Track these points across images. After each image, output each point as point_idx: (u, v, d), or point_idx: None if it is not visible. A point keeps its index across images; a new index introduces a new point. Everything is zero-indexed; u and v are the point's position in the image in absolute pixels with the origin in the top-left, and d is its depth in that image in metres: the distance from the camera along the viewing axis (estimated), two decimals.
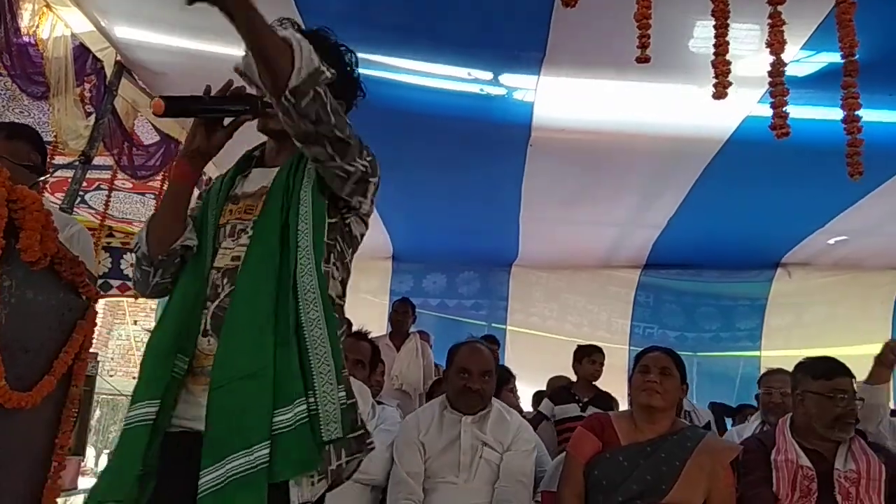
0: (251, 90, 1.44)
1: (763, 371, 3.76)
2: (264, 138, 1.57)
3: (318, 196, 1.39)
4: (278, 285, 1.31)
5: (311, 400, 1.25)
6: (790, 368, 2.63)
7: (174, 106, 1.37)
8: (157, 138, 3.84)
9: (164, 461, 1.30)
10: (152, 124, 3.75)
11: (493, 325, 6.14)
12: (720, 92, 1.57)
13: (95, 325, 1.77)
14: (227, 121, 1.46)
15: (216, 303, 1.36)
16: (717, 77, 1.60)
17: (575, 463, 2.39)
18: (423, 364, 4.34)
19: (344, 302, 1.48)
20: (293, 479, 1.23)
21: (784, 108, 1.47)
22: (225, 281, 1.37)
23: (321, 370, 1.27)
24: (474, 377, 2.54)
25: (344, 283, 1.47)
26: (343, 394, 1.29)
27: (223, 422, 1.23)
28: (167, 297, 1.47)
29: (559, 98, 3.55)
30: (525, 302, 6.11)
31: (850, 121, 1.48)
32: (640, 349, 5.29)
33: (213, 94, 1.43)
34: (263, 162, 1.54)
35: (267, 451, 1.20)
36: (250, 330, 1.28)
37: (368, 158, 1.41)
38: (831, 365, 2.44)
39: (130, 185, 4.66)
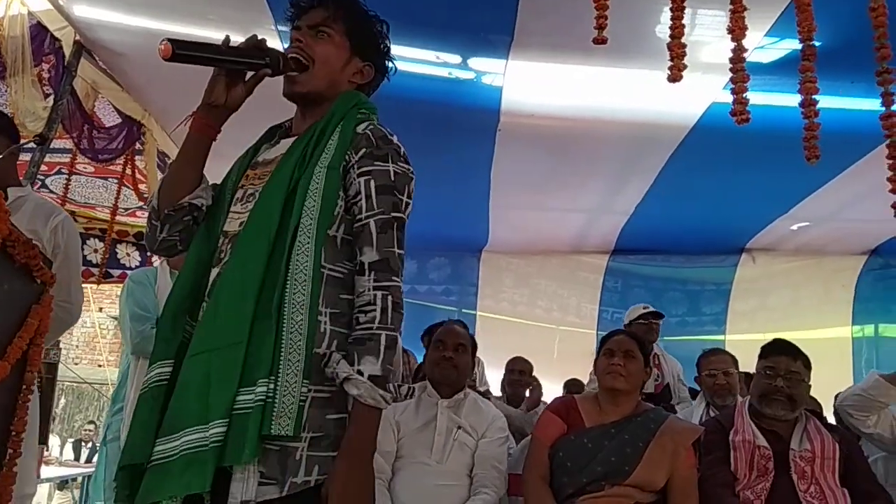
0: None
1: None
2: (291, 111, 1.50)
3: (334, 179, 1.31)
4: (270, 256, 1.25)
5: (270, 386, 1.16)
6: (755, 352, 2.69)
7: (183, 51, 1.28)
8: (119, 120, 3.75)
9: None
10: (114, 106, 3.67)
11: (464, 310, 6.15)
12: (675, 75, 1.58)
13: (51, 309, 1.74)
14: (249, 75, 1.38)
15: (217, 268, 1.33)
16: (672, 60, 1.60)
17: (540, 445, 2.42)
18: None
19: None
20: (239, 470, 1.15)
21: (745, 95, 1.48)
22: (228, 246, 1.33)
23: (290, 358, 1.19)
24: (448, 348, 2.66)
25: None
26: (307, 389, 1.20)
27: (188, 392, 1.19)
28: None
29: (528, 83, 3.55)
30: (495, 287, 6.13)
31: (808, 104, 1.50)
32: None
33: (231, 44, 1.35)
34: (289, 132, 1.48)
35: (223, 429, 1.14)
36: (232, 300, 1.23)
37: (406, 202, 1.36)
38: (774, 344, 2.54)
39: (92, 170, 4.57)
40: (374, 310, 1.26)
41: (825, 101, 2.78)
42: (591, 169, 4.48)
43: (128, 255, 5.82)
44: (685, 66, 1.57)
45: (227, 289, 1.25)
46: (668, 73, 1.59)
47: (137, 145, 3.93)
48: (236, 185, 1.42)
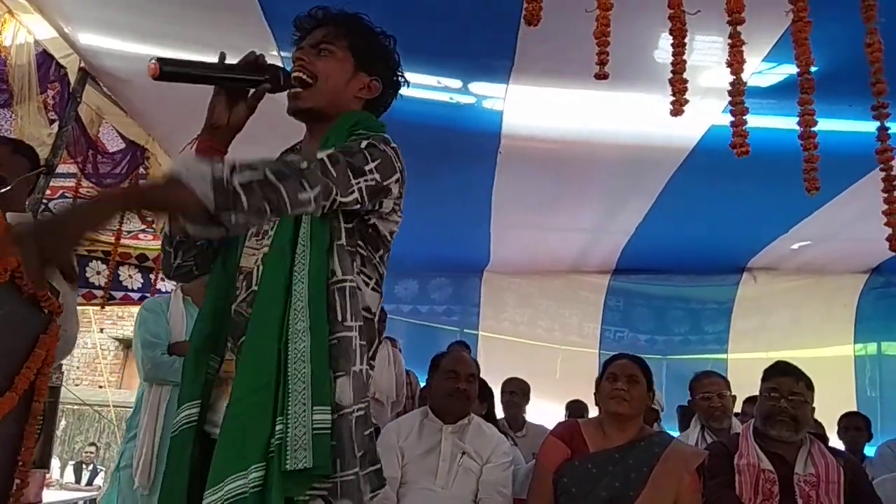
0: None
1: (694, 375, 3.70)
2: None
3: None
4: (287, 295, 1.21)
5: (280, 427, 1.13)
6: (757, 370, 2.70)
7: (171, 68, 1.23)
8: (123, 145, 3.79)
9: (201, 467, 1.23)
10: (118, 131, 3.70)
11: (466, 330, 6.16)
12: (677, 109, 1.60)
13: (58, 339, 1.75)
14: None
15: (233, 306, 1.32)
16: (674, 95, 1.63)
17: (544, 470, 2.42)
18: (395, 372, 4.34)
19: (375, 315, 1.36)
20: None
21: (744, 127, 1.50)
22: (244, 283, 1.32)
23: (295, 388, 1.15)
24: (461, 378, 2.64)
25: (378, 289, 1.38)
26: (322, 417, 1.15)
27: (229, 440, 1.17)
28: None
29: (528, 107, 3.58)
30: (497, 307, 6.14)
31: (807, 137, 1.52)
32: (611, 353, 5.35)
33: (227, 62, 1.32)
34: (302, 153, 1.44)
35: (262, 472, 1.11)
36: (260, 342, 1.20)
37: (375, 163, 1.27)
38: (776, 366, 2.55)
39: (95, 193, 4.59)
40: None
41: (823, 124, 2.81)
42: (592, 190, 4.52)
43: (130, 276, 5.84)
44: (687, 101, 1.60)
45: (255, 333, 1.22)
46: (671, 107, 1.61)
47: (141, 170, 3.96)
48: None
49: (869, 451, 4.42)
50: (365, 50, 1.45)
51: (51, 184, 3.75)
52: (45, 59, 3.02)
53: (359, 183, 1.24)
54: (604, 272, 5.93)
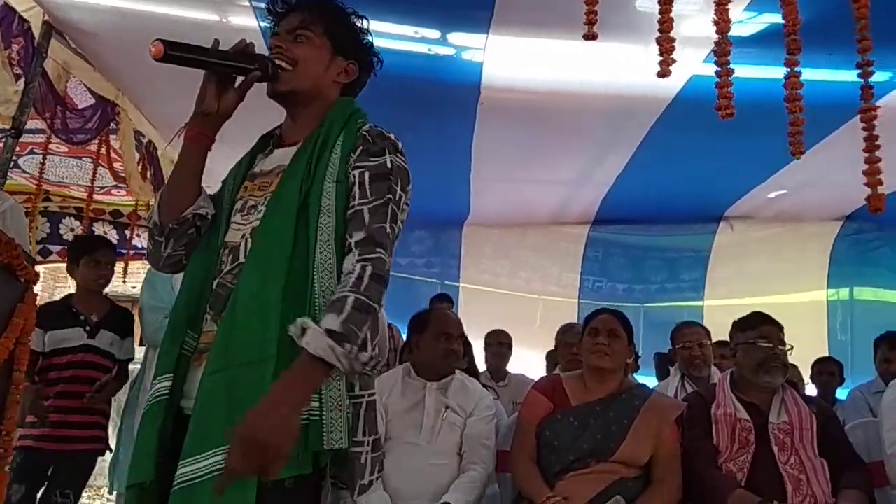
0: None
1: (675, 325, 3.79)
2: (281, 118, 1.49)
3: (342, 189, 1.31)
4: (289, 272, 1.23)
5: (315, 404, 1.16)
6: (731, 317, 2.75)
7: (175, 52, 1.26)
8: (92, 101, 3.67)
9: (174, 441, 1.23)
10: (86, 86, 3.58)
11: (446, 282, 6.17)
12: (664, 70, 1.58)
13: (35, 307, 1.72)
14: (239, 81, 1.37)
15: (217, 279, 1.32)
16: (661, 55, 1.61)
17: (527, 424, 2.46)
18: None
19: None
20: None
21: (729, 90, 1.49)
22: (230, 257, 1.32)
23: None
24: (454, 339, 2.66)
25: None
26: (348, 402, 1.20)
27: (212, 410, 1.16)
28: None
29: (508, 58, 3.52)
30: (477, 259, 6.15)
31: (793, 100, 1.51)
32: (590, 302, 5.41)
33: (220, 48, 1.34)
34: (282, 141, 1.46)
35: None
36: (253, 315, 1.20)
37: (403, 187, 1.37)
38: (756, 315, 2.59)
39: (66, 149, 4.48)
40: (351, 276, 1.21)
41: (803, 74, 2.82)
42: (572, 141, 4.48)
43: (105, 233, 5.75)
44: (674, 62, 1.58)
45: (247, 305, 1.21)
46: (658, 67, 1.59)
47: (112, 125, 3.86)
48: (234, 196, 1.40)
49: (840, 394, 4.55)
50: (341, 35, 1.46)
51: (20, 139, 3.66)
52: (6, 12, 2.90)
53: (394, 215, 1.33)
54: (583, 223, 5.95)
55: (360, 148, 1.35)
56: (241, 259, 1.30)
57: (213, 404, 1.17)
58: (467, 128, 4.18)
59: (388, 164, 1.34)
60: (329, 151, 1.34)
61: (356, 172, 1.32)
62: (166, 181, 1.43)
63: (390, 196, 1.32)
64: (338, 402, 1.18)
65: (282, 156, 1.41)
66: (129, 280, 5.64)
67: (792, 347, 2.56)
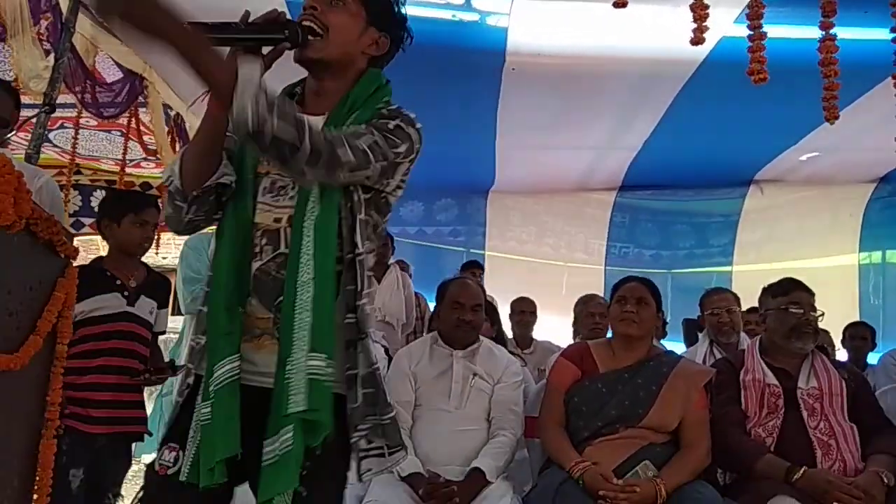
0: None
1: (705, 291, 3.76)
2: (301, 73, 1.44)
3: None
4: (337, 266, 1.29)
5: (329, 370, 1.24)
6: (762, 282, 2.73)
7: (208, 34, 1.23)
8: (121, 75, 3.71)
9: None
10: (114, 61, 3.61)
11: (472, 250, 6.19)
12: (698, 37, 1.56)
13: (76, 281, 1.77)
14: (265, 50, 1.32)
15: (258, 265, 1.32)
16: (695, 22, 1.58)
17: (555, 390, 2.49)
18: (405, 295, 4.39)
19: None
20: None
21: (762, 53, 1.46)
22: (264, 242, 1.33)
23: (300, 335, 1.24)
24: (466, 310, 2.64)
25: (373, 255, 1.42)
26: (318, 363, 1.23)
27: (284, 395, 1.22)
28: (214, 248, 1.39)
29: (533, 23, 3.48)
30: (502, 227, 6.16)
31: (828, 64, 1.48)
32: (616, 269, 5.39)
33: (249, 20, 1.30)
34: (305, 106, 1.39)
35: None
36: (313, 312, 1.25)
37: (402, 146, 1.33)
38: (787, 281, 2.56)
39: (95, 123, 4.54)
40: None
41: (838, 32, 2.74)
42: (599, 106, 4.44)
43: None
44: (707, 28, 1.55)
45: (306, 304, 1.25)
46: (692, 35, 1.56)
47: (140, 98, 3.90)
48: (256, 168, 1.37)
49: (872, 358, 4.51)
50: (377, 4, 1.41)
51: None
52: None
53: (382, 162, 1.31)
54: (610, 189, 5.91)
55: (374, 119, 1.35)
56: (283, 248, 1.32)
57: (289, 388, 1.22)
58: (492, 95, 4.16)
59: (392, 125, 1.34)
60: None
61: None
62: (188, 147, 1.37)
63: (386, 133, 1.32)
64: (299, 366, 1.23)
65: None
66: (160, 251, 5.72)
67: (823, 314, 2.54)
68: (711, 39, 3.45)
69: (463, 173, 5.69)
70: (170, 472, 1.29)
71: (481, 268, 5.29)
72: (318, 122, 1.31)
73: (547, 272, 6.18)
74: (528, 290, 4.93)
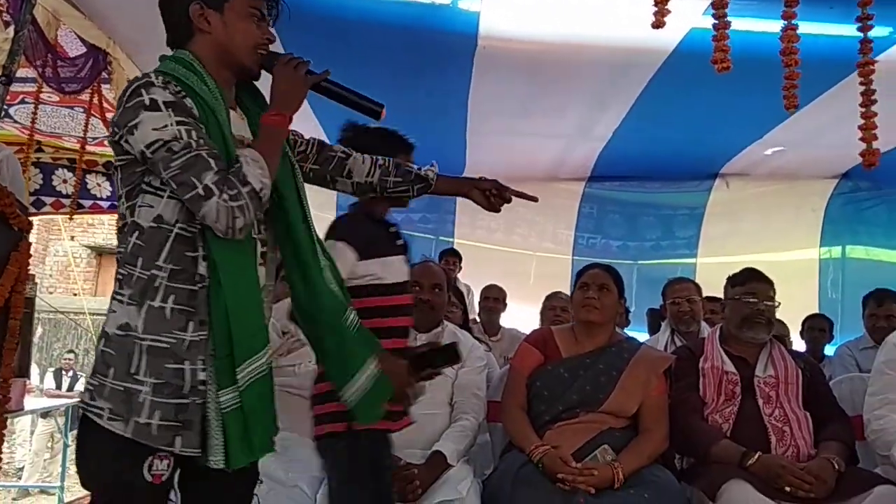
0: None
1: (667, 280, 3.85)
2: None
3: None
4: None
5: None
6: (724, 275, 2.78)
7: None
8: (84, 50, 3.61)
9: None
10: (77, 35, 3.52)
11: (441, 237, 6.18)
12: (658, 21, 1.57)
13: (30, 255, 1.73)
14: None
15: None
16: (656, 5, 1.59)
17: (518, 375, 2.50)
18: None
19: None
20: None
21: (726, 42, 1.48)
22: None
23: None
24: (425, 290, 2.63)
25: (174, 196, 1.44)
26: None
27: None
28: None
29: (506, 7, 3.47)
30: (472, 215, 6.13)
31: (789, 53, 1.50)
32: (584, 259, 5.45)
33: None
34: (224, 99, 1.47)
35: None
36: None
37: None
38: (747, 271, 2.62)
39: (57, 99, 4.42)
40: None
41: (803, 27, 2.77)
42: (570, 95, 4.44)
43: (98, 185, 5.71)
44: (669, 12, 1.56)
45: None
46: (653, 18, 1.57)
47: (104, 74, 3.80)
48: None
49: (829, 350, 4.62)
50: None
51: (11, 88, 3.61)
52: None
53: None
54: (579, 179, 5.93)
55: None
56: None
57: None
58: (464, 80, 4.13)
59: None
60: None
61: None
62: (270, 160, 1.40)
63: None
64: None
65: (238, 122, 1.49)
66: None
67: (779, 304, 2.59)
68: (680, 30, 3.50)
69: (433, 157, 5.64)
70: (164, 478, 1.32)
71: (458, 257, 5.29)
72: (235, 119, 1.48)
73: (515, 261, 6.19)
74: (497, 278, 4.95)
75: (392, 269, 1.92)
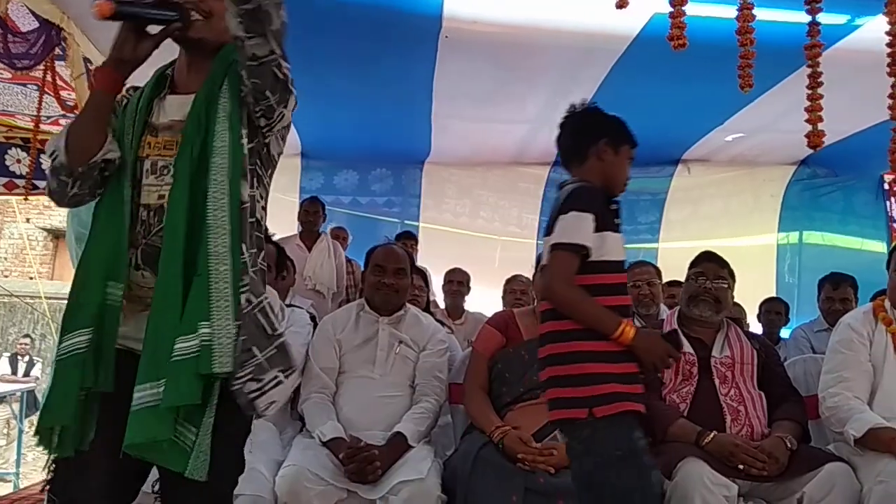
0: None
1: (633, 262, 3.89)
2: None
3: (236, 124, 1.40)
4: (190, 223, 1.35)
5: (206, 332, 1.29)
6: (687, 259, 2.81)
7: (123, 10, 1.35)
8: (36, 25, 3.50)
9: (128, 377, 1.33)
10: (29, 9, 3.40)
11: (407, 221, 6.17)
12: (622, 1, 1.56)
13: None
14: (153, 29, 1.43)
15: (147, 239, 1.41)
16: None
17: (480, 357, 2.51)
18: (336, 264, 4.35)
19: (265, 223, 1.53)
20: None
21: (682, 19, 1.48)
22: (155, 219, 1.41)
23: (219, 304, 1.32)
24: (388, 273, 2.62)
25: (265, 205, 1.52)
26: (235, 328, 1.32)
27: (147, 350, 1.32)
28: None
29: None
30: (438, 199, 6.14)
31: (744, 32, 1.51)
32: None
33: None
34: (175, 86, 1.51)
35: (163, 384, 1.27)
36: (170, 267, 1.34)
37: (287, 66, 1.41)
38: (702, 254, 2.65)
39: (9, 76, 4.29)
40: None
41: (763, 14, 2.81)
42: (534, 79, 4.45)
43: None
44: None
45: (165, 261, 1.35)
46: None
47: (58, 51, 3.69)
48: (137, 150, 1.45)
49: (785, 333, 4.72)
50: None
51: None
52: None
53: (287, 65, 1.40)
54: (544, 164, 5.96)
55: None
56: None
57: (148, 345, 1.33)
58: (428, 62, 4.11)
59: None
60: (217, 96, 1.41)
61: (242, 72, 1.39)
62: (73, 124, 1.47)
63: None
64: (226, 330, 1.31)
65: (177, 106, 1.47)
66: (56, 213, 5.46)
67: (731, 284, 2.63)
68: (644, 16, 3.53)
69: (399, 143, 5.64)
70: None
71: (415, 239, 5.29)
72: (187, 103, 1.44)
73: (481, 245, 6.22)
74: (462, 262, 4.96)
75: (617, 246, 1.84)
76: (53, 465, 1.39)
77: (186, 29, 1.43)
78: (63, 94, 4.10)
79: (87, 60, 3.91)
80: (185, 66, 1.51)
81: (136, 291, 1.42)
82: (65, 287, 3.20)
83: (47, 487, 1.39)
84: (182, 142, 1.41)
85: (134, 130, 1.45)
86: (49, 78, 3.99)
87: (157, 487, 1.45)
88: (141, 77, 1.52)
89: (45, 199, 10.76)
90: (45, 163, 5.37)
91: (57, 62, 3.90)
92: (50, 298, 9.32)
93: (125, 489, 1.41)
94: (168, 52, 1.52)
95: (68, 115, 4.66)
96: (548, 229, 1.86)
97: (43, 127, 4.76)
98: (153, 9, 1.40)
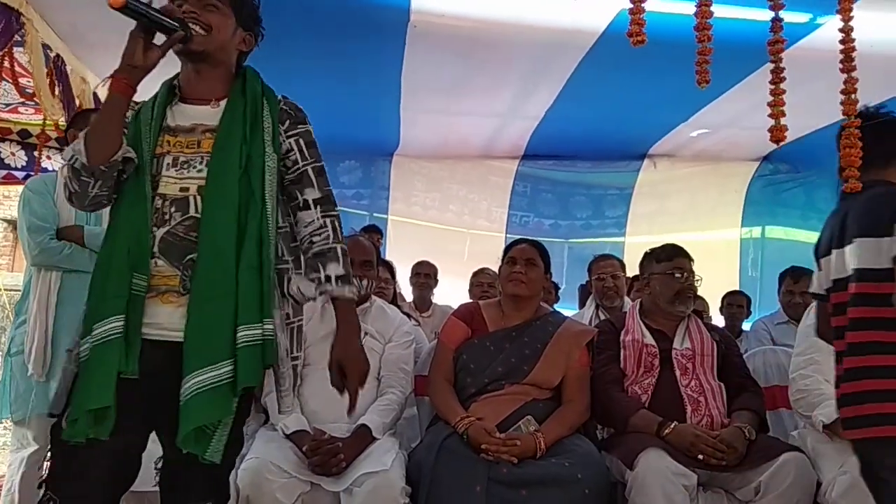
0: None
1: (593, 257, 3.99)
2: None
3: (276, 157, 1.59)
4: (239, 224, 1.50)
5: (269, 327, 1.48)
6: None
7: (132, 5, 1.43)
8: None
9: (146, 365, 1.45)
10: None
11: (375, 214, 6.14)
12: None
13: None
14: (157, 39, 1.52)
15: (166, 228, 1.51)
16: None
17: (445, 348, 2.52)
18: None
19: None
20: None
21: (642, 16, 1.50)
22: (173, 209, 1.52)
23: (272, 304, 1.52)
24: (355, 266, 2.59)
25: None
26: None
27: (197, 337, 1.44)
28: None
29: None
30: (406, 191, 6.12)
31: (702, 28, 1.54)
32: (517, 237, 5.51)
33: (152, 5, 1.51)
34: (184, 95, 1.63)
35: (231, 367, 1.42)
36: (218, 259, 1.47)
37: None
38: (671, 248, 2.69)
39: None
40: (327, 231, 1.61)
41: (723, 11, 2.84)
42: (503, 73, 4.45)
43: (13, 154, 5.43)
44: None
45: (211, 253, 1.48)
46: None
47: (17, 37, 3.60)
48: (154, 149, 1.55)
49: (747, 326, 4.81)
50: (243, 9, 1.68)
51: None
52: None
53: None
54: (513, 157, 5.97)
55: (287, 121, 1.64)
56: (192, 213, 1.51)
57: (198, 331, 1.44)
58: (397, 54, 4.09)
59: (312, 133, 1.67)
60: (261, 120, 1.59)
61: (291, 140, 1.63)
62: (91, 127, 1.54)
63: (322, 162, 1.66)
64: (274, 328, 1.51)
65: (192, 114, 1.60)
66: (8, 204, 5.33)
67: (701, 279, 2.68)
68: (610, 12, 3.55)
69: (367, 134, 5.61)
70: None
71: (380, 232, 5.27)
72: (205, 110, 1.59)
73: (449, 238, 6.21)
74: (431, 255, 4.96)
75: None
76: (50, 463, 1.45)
77: (189, 42, 1.54)
78: (22, 80, 4.00)
79: (46, 47, 3.82)
80: (192, 77, 1.63)
81: (157, 281, 1.50)
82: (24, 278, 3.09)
83: (44, 485, 1.43)
84: (221, 147, 1.54)
85: (151, 132, 1.56)
86: (7, 65, 3.88)
87: (160, 465, 1.56)
88: (144, 93, 1.62)
89: (4, 189, 10.52)
90: (5, 152, 5.26)
91: (15, 48, 3.81)
92: (9, 290, 9.10)
93: (122, 482, 1.48)
94: (172, 66, 1.65)
95: (27, 102, 4.55)
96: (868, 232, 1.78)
97: (1, 115, 4.65)
98: (159, 13, 1.50)
